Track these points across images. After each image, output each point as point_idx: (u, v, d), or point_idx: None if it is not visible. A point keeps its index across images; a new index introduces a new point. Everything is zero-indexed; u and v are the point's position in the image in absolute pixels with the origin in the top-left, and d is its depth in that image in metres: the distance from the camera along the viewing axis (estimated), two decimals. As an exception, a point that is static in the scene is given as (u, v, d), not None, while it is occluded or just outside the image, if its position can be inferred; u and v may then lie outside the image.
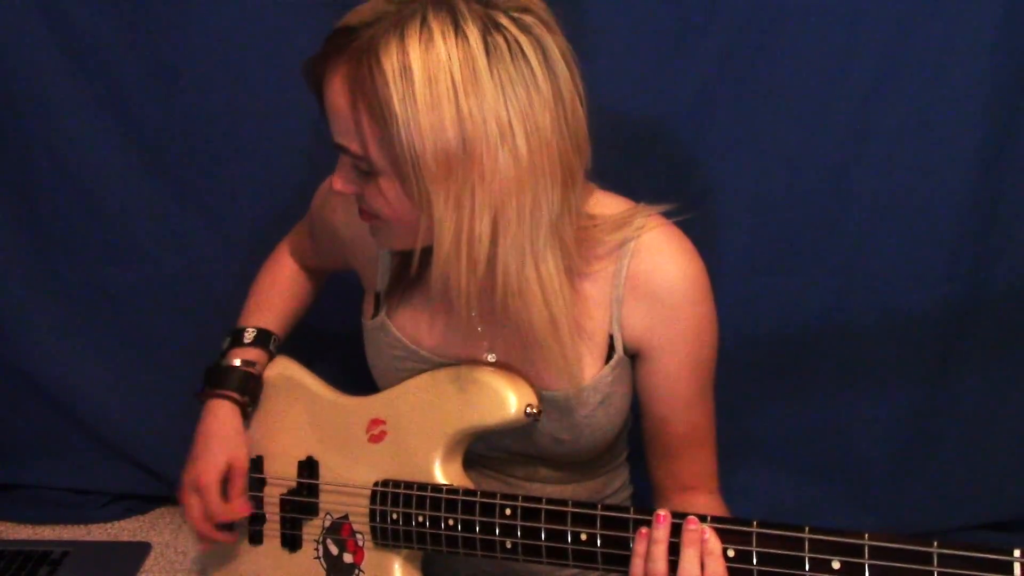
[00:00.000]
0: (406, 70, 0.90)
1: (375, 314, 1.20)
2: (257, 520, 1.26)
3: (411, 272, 1.05)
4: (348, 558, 1.17)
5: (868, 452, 1.61)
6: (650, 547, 0.95)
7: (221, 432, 1.23)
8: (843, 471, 1.62)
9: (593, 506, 1.00)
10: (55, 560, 1.57)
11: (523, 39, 0.92)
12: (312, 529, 1.21)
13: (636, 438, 1.20)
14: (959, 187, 1.47)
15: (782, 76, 1.45)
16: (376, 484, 1.13)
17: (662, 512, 0.95)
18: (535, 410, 1.07)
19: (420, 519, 1.09)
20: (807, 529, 0.90)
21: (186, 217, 1.64)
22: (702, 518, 0.94)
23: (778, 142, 1.48)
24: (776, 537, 0.92)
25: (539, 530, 1.02)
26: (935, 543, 0.85)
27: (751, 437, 1.61)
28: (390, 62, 0.90)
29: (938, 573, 0.85)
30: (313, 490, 1.21)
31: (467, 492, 1.07)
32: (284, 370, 1.28)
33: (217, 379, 1.26)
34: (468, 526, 1.06)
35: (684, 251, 1.08)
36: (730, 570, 0.93)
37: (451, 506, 1.07)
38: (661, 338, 1.08)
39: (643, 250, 1.07)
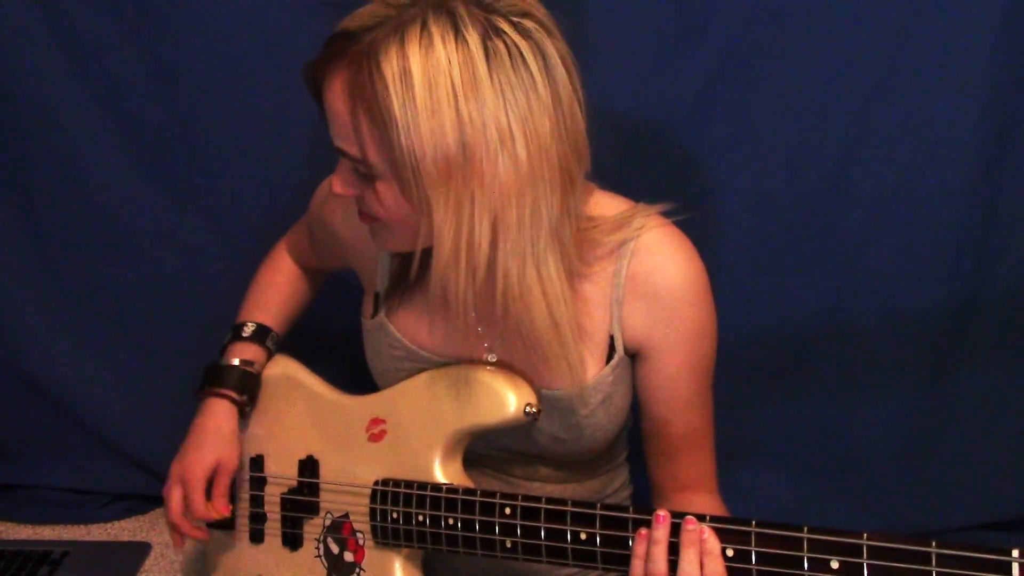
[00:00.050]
0: (406, 74, 0.90)
1: (374, 314, 1.20)
2: (258, 519, 1.26)
3: (411, 276, 1.05)
4: (349, 557, 1.17)
5: (868, 452, 1.61)
6: (650, 547, 0.95)
7: (215, 430, 1.23)
8: (843, 471, 1.62)
9: (592, 505, 1.00)
10: (55, 560, 1.57)
11: (523, 44, 0.92)
12: (313, 528, 1.21)
13: (636, 438, 1.20)
14: (959, 187, 1.47)
15: (782, 76, 1.45)
16: (376, 483, 1.13)
17: (661, 512, 0.95)
18: (534, 409, 1.07)
19: (420, 518, 1.09)
20: (806, 529, 0.90)
21: (186, 217, 1.64)
22: (701, 518, 0.94)
23: (778, 142, 1.48)
24: (775, 537, 0.92)
25: (539, 529, 1.02)
26: (934, 543, 0.85)
27: (751, 437, 1.61)
28: (390, 67, 0.90)
29: (937, 573, 0.85)
30: (314, 489, 1.21)
31: (467, 491, 1.08)
32: (284, 369, 1.28)
33: (215, 377, 1.26)
34: (468, 525, 1.06)
35: (684, 251, 1.08)
36: (729, 570, 0.93)
37: (451, 505, 1.07)
38: (661, 338, 1.08)
39: (642, 250, 1.07)
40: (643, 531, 0.96)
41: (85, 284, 1.69)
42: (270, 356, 1.30)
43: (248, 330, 1.29)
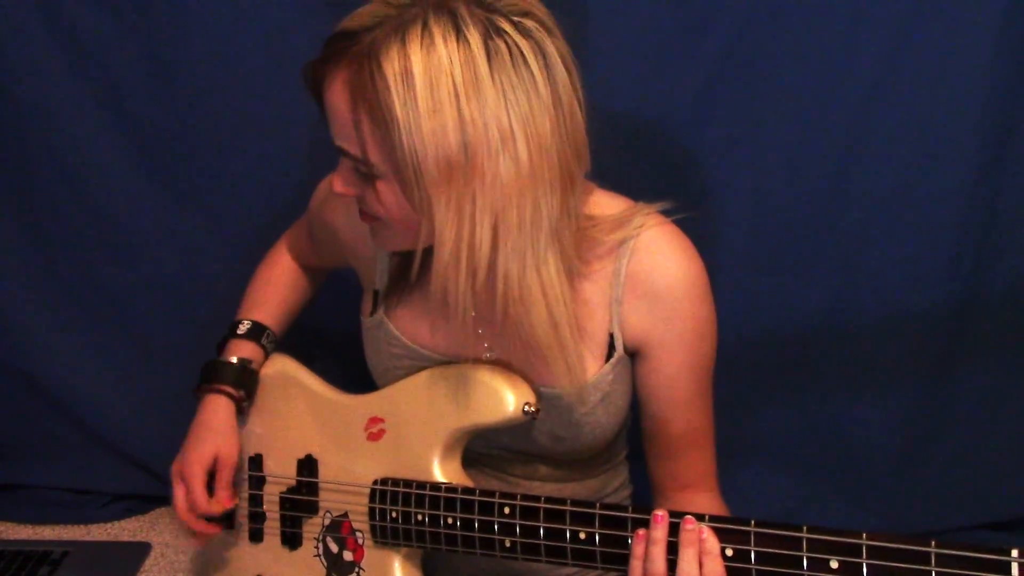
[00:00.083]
0: (407, 74, 0.90)
1: (373, 312, 1.20)
2: (257, 518, 1.26)
3: (411, 276, 1.05)
4: (348, 556, 1.17)
5: (868, 452, 1.61)
6: (648, 547, 0.95)
7: (211, 425, 1.23)
8: (843, 471, 1.62)
9: (592, 505, 1.00)
10: (55, 560, 1.58)
11: (524, 44, 0.92)
12: (312, 527, 1.21)
13: (635, 437, 1.20)
14: (959, 187, 1.47)
15: (782, 76, 1.45)
16: (375, 482, 1.13)
17: (659, 512, 0.95)
18: (533, 408, 1.07)
19: (419, 517, 1.09)
20: (805, 528, 0.90)
21: (186, 217, 1.64)
22: (700, 517, 0.94)
23: (778, 142, 1.48)
24: (774, 536, 0.91)
25: (538, 529, 1.02)
26: (933, 543, 0.85)
27: (751, 437, 1.61)
28: (391, 66, 0.90)
29: (936, 573, 0.85)
30: (313, 488, 1.21)
31: (466, 490, 1.08)
32: (283, 368, 1.28)
33: (211, 374, 1.26)
34: (467, 524, 1.06)
35: (683, 250, 1.08)
36: (729, 569, 0.93)
37: (450, 504, 1.07)
38: (660, 336, 1.08)
39: (642, 249, 1.07)
40: (641, 532, 0.96)
41: (85, 284, 1.69)
42: (267, 354, 1.30)
43: (244, 328, 1.29)
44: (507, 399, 1.07)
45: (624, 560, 0.98)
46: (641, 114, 1.48)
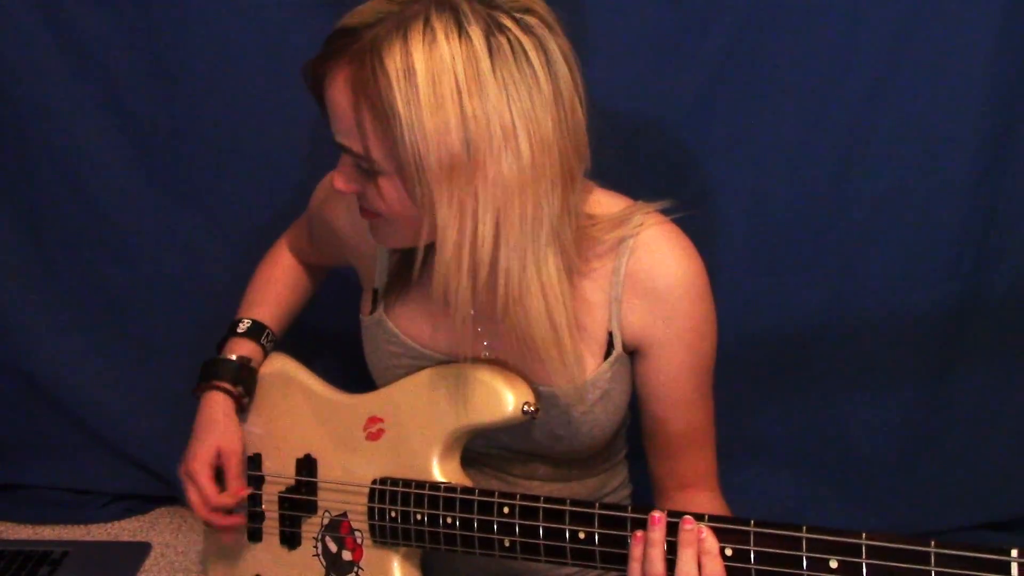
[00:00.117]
0: (410, 71, 0.90)
1: (373, 310, 1.20)
2: (256, 518, 1.26)
3: (413, 273, 1.05)
4: (347, 555, 1.17)
5: (868, 452, 1.60)
6: (646, 549, 0.95)
7: (210, 421, 1.23)
8: (843, 471, 1.62)
9: (591, 505, 1.00)
10: (55, 560, 1.58)
11: (526, 40, 0.93)
12: (311, 527, 1.21)
13: (634, 436, 1.20)
14: (959, 187, 1.47)
15: (782, 76, 1.45)
16: (375, 482, 1.13)
17: (657, 514, 0.95)
18: (532, 408, 1.07)
19: (419, 517, 1.09)
20: (805, 528, 0.90)
21: (186, 217, 1.64)
22: (699, 517, 0.94)
23: (778, 142, 1.48)
24: (774, 536, 0.91)
25: (537, 528, 1.02)
26: (933, 543, 0.85)
27: (751, 437, 1.61)
28: (393, 63, 0.90)
29: (936, 573, 0.85)
30: (312, 488, 1.21)
31: (465, 490, 1.07)
32: (282, 368, 1.28)
33: (210, 372, 1.26)
34: (466, 524, 1.06)
35: (682, 248, 1.08)
36: (728, 569, 0.92)
37: (449, 504, 1.07)
38: (660, 335, 1.08)
39: (641, 248, 1.07)
40: (639, 533, 0.96)
41: (85, 284, 1.69)
42: (266, 353, 1.30)
43: (243, 327, 1.29)
44: (506, 399, 1.07)
45: (624, 560, 0.98)
46: (641, 114, 1.48)
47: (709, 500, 1.15)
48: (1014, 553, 0.82)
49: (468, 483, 1.11)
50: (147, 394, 1.73)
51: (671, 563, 0.94)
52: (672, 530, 0.95)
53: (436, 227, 0.95)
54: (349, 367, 1.27)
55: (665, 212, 1.09)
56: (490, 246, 0.95)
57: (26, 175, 1.63)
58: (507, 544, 1.04)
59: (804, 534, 0.90)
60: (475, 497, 1.06)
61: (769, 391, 1.59)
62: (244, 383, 1.26)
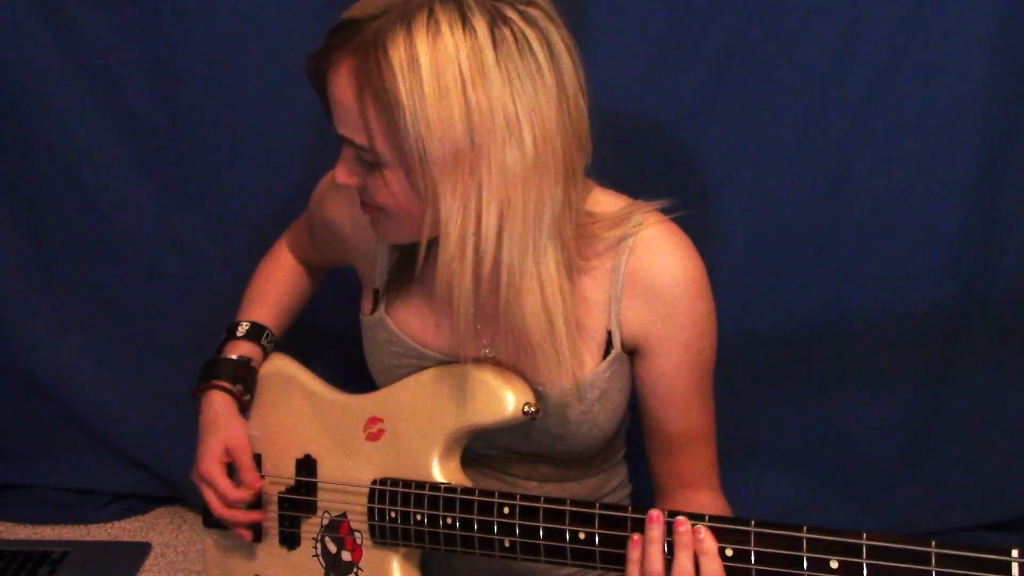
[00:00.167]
0: (413, 62, 0.90)
1: (373, 310, 1.20)
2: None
3: (416, 268, 1.05)
4: (346, 556, 1.17)
5: (868, 452, 1.60)
6: (645, 547, 0.95)
7: (214, 420, 1.23)
8: (843, 471, 1.62)
9: (591, 505, 1.00)
10: (55, 560, 1.58)
11: (529, 32, 0.93)
12: (310, 527, 1.21)
13: (634, 436, 1.20)
14: (959, 187, 1.47)
15: (782, 76, 1.45)
16: (374, 482, 1.13)
17: (655, 512, 0.95)
18: (533, 408, 1.07)
19: (418, 517, 1.09)
20: (805, 528, 0.90)
21: (186, 217, 1.64)
22: (700, 517, 0.94)
23: (778, 142, 1.48)
24: (774, 536, 0.91)
25: (537, 529, 1.02)
26: (933, 543, 0.85)
27: (751, 437, 1.61)
28: (397, 54, 0.91)
29: (936, 573, 0.84)
30: (311, 488, 1.21)
31: (465, 491, 1.07)
32: (282, 367, 1.28)
33: (208, 372, 1.26)
34: (466, 525, 1.06)
35: (682, 247, 1.08)
36: (728, 569, 0.92)
37: (449, 504, 1.07)
38: (659, 334, 1.08)
39: (641, 246, 1.07)
40: (636, 537, 0.96)
41: (85, 284, 1.69)
42: (266, 354, 1.30)
43: (243, 329, 1.29)
44: (507, 399, 1.07)
45: (623, 560, 0.97)
46: (641, 114, 1.48)
47: (710, 499, 1.15)
48: (1015, 553, 0.82)
49: (468, 483, 1.11)
50: (147, 394, 1.73)
51: (671, 562, 0.94)
52: (671, 529, 0.94)
53: (439, 220, 0.95)
54: (349, 367, 1.27)
55: (665, 211, 1.09)
56: (494, 238, 0.95)
57: (26, 175, 1.63)
58: (507, 544, 1.04)
59: (804, 534, 0.90)
60: (475, 497, 1.06)
61: (769, 391, 1.59)
62: (244, 381, 1.26)
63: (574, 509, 1.00)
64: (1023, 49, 1.40)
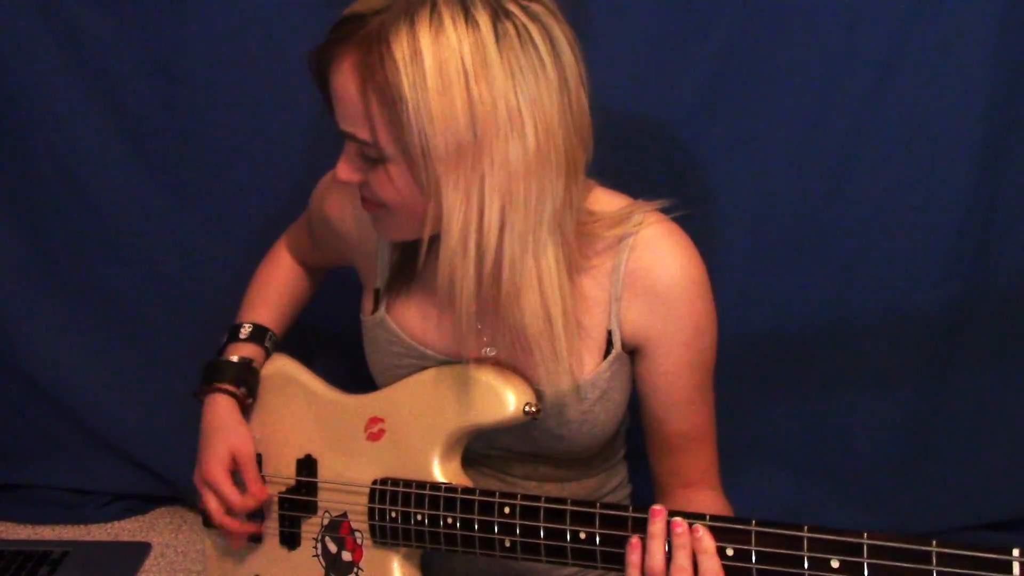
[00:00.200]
0: (416, 56, 0.90)
1: (374, 310, 1.20)
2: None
3: (417, 266, 1.05)
4: (347, 556, 1.17)
5: (868, 452, 1.60)
6: (647, 542, 0.95)
7: (219, 424, 1.23)
8: (843, 471, 1.62)
9: (592, 504, 1.00)
10: (55, 560, 1.58)
11: (531, 26, 0.93)
12: (311, 527, 1.21)
13: (634, 436, 1.20)
14: (959, 187, 1.47)
15: (782, 76, 1.45)
16: (375, 482, 1.13)
17: (657, 507, 0.95)
18: (533, 408, 1.07)
19: (419, 517, 1.09)
20: (806, 528, 0.90)
21: (186, 217, 1.64)
22: (700, 517, 0.94)
23: (778, 142, 1.48)
24: (775, 536, 0.91)
25: (538, 528, 1.02)
26: (934, 542, 0.85)
27: (751, 437, 1.61)
28: (400, 48, 0.91)
29: (937, 572, 0.85)
30: (312, 488, 1.21)
31: (466, 490, 1.07)
32: (282, 368, 1.28)
33: (212, 374, 1.26)
34: (467, 524, 1.06)
35: (682, 247, 1.08)
36: (729, 569, 0.92)
37: (450, 504, 1.07)
38: (660, 333, 1.08)
39: (641, 246, 1.07)
40: (635, 539, 0.96)
41: (85, 284, 1.69)
42: (268, 355, 1.30)
43: (246, 331, 1.29)
44: (507, 399, 1.07)
45: (624, 560, 0.97)
46: (641, 114, 1.48)
47: (711, 498, 1.15)
48: (1015, 553, 0.83)
49: (468, 483, 1.11)
50: (147, 394, 1.73)
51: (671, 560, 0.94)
52: (671, 529, 0.94)
53: (441, 215, 0.95)
54: (349, 367, 1.27)
55: (665, 211, 1.09)
56: (496, 232, 0.95)
57: (26, 175, 1.63)
58: (508, 544, 1.04)
59: (805, 534, 0.90)
60: (476, 497, 1.06)
61: (769, 391, 1.59)
62: (247, 384, 1.26)
63: (575, 509, 1.00)
64: (1023, 49, 1.40)
